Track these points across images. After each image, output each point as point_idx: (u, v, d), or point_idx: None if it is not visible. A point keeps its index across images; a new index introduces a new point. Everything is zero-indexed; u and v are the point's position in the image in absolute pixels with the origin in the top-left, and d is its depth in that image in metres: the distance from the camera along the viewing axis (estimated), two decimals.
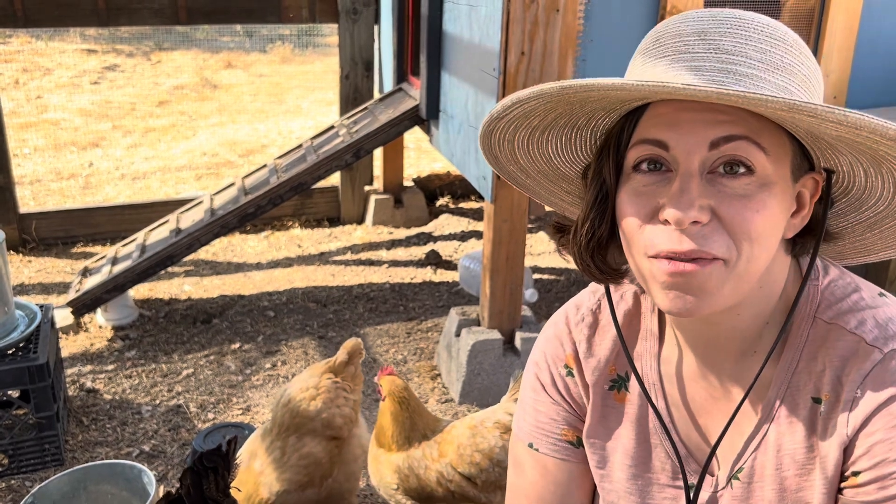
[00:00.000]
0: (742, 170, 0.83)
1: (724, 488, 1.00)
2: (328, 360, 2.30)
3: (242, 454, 2.23)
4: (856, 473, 0.90)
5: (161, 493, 1.81)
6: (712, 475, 1.02)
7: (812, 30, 3.18)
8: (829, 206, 0.94)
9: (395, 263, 4.40)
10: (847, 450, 0.91)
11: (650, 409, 1.05)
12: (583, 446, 1.13)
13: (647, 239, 0.87)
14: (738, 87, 0.81)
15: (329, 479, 2.21)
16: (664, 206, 0.84)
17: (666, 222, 0.84)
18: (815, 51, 3.20)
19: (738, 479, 0.99)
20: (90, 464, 2.24)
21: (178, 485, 1.65)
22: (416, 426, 2.14)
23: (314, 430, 2.17)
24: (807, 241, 0.96)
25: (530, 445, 1.16)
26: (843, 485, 0.92)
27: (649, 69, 0.88)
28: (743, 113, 0.83)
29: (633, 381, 1.07)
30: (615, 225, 0.94)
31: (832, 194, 0.94)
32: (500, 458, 2.01)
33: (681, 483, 1.04)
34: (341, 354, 2.27)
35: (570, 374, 1.11)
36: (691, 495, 1.02)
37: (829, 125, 0.77)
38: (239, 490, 2.09)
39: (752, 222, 0.83)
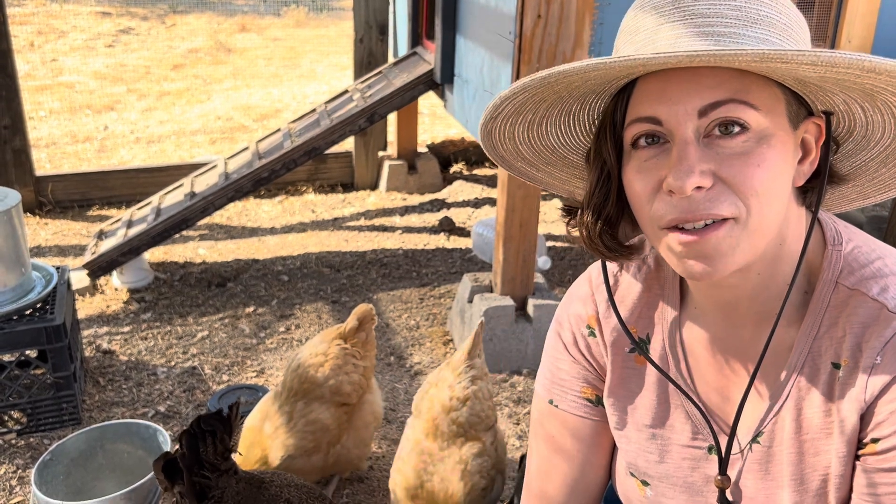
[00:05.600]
0: (737, 129, 0.84)
1: (742, 450, 1.01)
2: (339, 325, 2.30)
3: (254, 415, 2.25)
4: (875, 441, 0.90)
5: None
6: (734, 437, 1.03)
7: None
8: (835, 148, 0.95)
9: (408, 229, 4.40)
10: (865, 416, 0.91)
11: (668, 372, 1.06)
12: (601, 404, 1.15)
13: (655, 211, 0.88)
14: (716, 47, 0.81)
15: (337, 445, 2.21)
16: (666, 177, 0.85)
17: (671, 193, 0.85)
18: (838, 17, 3.14)
19: (758, 442, 0.99)
20: (107, 423, 2.27)
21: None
22: None
23: (322, 397, 2.17)
24: (819, 188, 0.96)
25: (550, 402, 1.19)
26: (861, 452, 0.92)
27: (629, 46, 0.89)
28: (727, 74, 0.83)
29: (654, 344, 1.08)
30: (622, 202, 0.95)
31: (836, 135, 0.95)
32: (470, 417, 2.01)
33: (699, 444, 1.05)
34: (351, 320, 2.26)
35: (592, 334, 1.13)
36: (717, 454, 1.03)
37: (805, 68, 0.78)
38: (240, 454, 2.11)
39: (754, 177, 0.84)
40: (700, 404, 1.04)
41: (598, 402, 1.15)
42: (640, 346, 1.08)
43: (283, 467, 2.13)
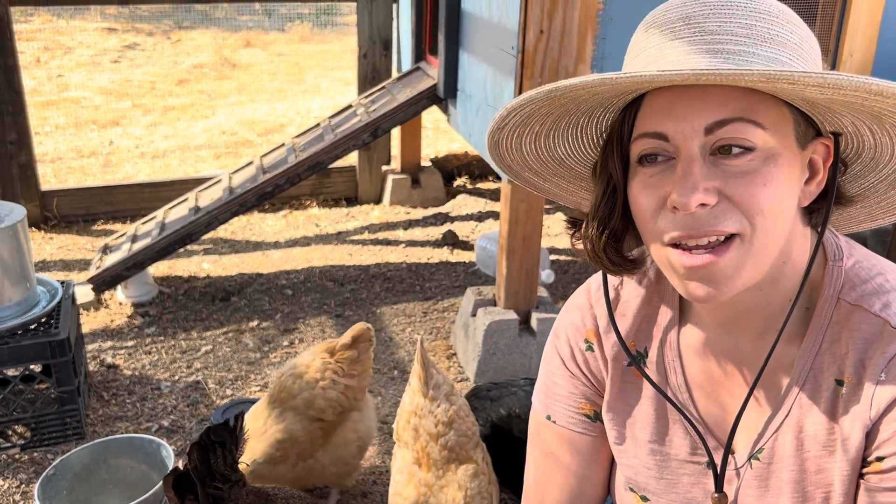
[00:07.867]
0: (743, 147, 0.83)
1: (742, 467, 1.01)
2: (332, 339, 2.29)
3: (247, 421, 2.25)
4: (880, 459, 0.90)
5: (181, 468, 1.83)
6: (732, 453, 1.02)
7: (837, 9, 3.13)
8: (843, 169, 0.94)
9: (411, 243, 4.40)
10: (869, 434, 0.90)
11: (667, 386, 1.06)
12: (600, 420, 1.14)
13: (660, 227, 0.88)
14: (727, 65, 0.81)
15: (310, 459, 2.18)
16: (671, 193, 0.85)
17: (675, 209, 0.85)
18: (840, 30, 3.15)
19: (758, 459, 0.99)
20: (110, 437, 2.27)
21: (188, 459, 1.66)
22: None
23: (296, 408, 2.16)
24: (826, 209, 0.96)
25: (548, 418, 1.18)
26: (865, 470, 0.92)
27: (638, 62, 0.89)
28: (735, 93, 0.83)
29: (652, 358, 1.07)
30: (627, 216, 0.95)
31: (845, 157, 0.94)
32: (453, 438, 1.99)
33: (699, 459, 1.04)
34: (345, 337, 2.24)
35: (590, 348, 1.12)
36: (712, 470, 1.03)
37: (811, 89, 0.77)
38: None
39: (760, 196, 0.83)
40: (698, 419, 1.03)
41: (597, 417, 1.14)
42: (637, 360, 1.08)
43: (249, 471, 2.12)
